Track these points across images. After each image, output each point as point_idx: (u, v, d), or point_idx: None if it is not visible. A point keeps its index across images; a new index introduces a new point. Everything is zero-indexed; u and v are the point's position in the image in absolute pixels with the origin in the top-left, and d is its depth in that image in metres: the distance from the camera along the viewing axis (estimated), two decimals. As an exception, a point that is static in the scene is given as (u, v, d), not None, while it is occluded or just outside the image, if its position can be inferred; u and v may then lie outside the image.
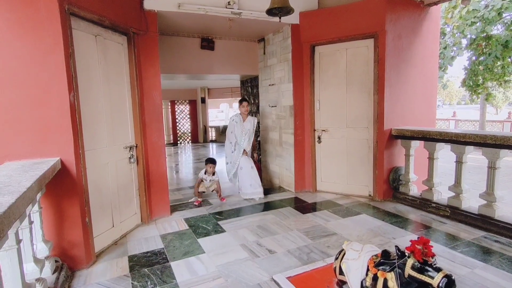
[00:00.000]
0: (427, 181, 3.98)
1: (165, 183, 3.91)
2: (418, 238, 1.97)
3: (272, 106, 5.28)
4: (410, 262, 1.81)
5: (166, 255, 2.90)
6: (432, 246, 1.95)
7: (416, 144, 4.13)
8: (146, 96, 3.70)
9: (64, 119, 2.53)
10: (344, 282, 2.20)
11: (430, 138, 3.81)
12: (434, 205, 3.81)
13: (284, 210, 4.06)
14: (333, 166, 4.70)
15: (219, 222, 3.68)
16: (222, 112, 28.97)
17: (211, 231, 3.45)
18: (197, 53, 5.36)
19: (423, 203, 3.93)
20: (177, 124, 16.59)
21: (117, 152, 3.31)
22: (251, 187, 4.59)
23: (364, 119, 4.38)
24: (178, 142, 16.57)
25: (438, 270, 1.73)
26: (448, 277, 1.69)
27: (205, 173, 4.51)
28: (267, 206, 4.26)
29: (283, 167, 5.13)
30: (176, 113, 16.52)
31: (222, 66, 5.62)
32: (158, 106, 3.80)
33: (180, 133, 16.69)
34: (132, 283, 2.46)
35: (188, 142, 16.81)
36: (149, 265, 2.73)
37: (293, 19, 4.48)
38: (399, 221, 3.59)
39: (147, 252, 2.98)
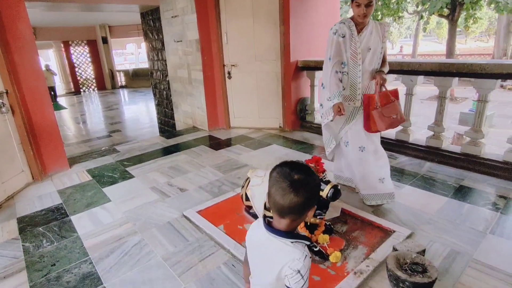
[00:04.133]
0: (329, 109, 4.28)
1: (57, 133, 3.41)
2: (311, 157, 2.12)
3: (178, 41, 4.84)
4: (304, 179, 1.95)
5: (65, 210, 2.64)
6: (323, 163, 2.14)
7: (320, 75, 4.32)
8: (9, 29, 2.96)
9: None
10: (250, 207, 2.31)
11: (331, 67, 4.00)
12: (334, 130, 4.17)
13: (197, 149, 4.00)
14: (244, 101, 4.69)
15: (127, 169, 3.46)
16: (132, 54, 26.08)
17: (118, 178, 3.22)
18: (78, -24, 4.43)
19: (326, 129, 4.27)
20: (77, 69, 14.41)
21: (-22, 100, 2.68)
22: (383, 183, 2.39)
23: (272, 51, 4.34)
24: (81, 90, 14.61)
25: (327, 183, 1.91)
26: (335, 187, 1.89)
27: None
28: (180, 147, 4.13)
29: (195, 106, 4.94)
30: (73, 56, 14.22)
31: (113, -7, 4.80)
32: (30, 42, 3.11)
33: (82, 80, 14.64)
34: (23, 245, 2.19)
35: (93, 90, 14.95)
36: (44, 223, 2.46)
37: None
38: (304, 147, 3.87)
39: (42, 210, 2.66)
